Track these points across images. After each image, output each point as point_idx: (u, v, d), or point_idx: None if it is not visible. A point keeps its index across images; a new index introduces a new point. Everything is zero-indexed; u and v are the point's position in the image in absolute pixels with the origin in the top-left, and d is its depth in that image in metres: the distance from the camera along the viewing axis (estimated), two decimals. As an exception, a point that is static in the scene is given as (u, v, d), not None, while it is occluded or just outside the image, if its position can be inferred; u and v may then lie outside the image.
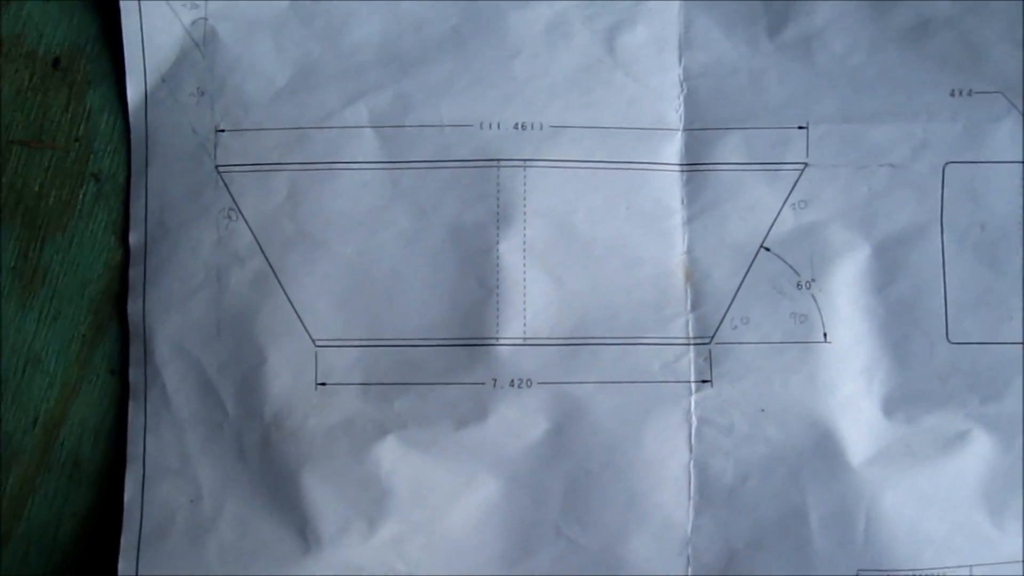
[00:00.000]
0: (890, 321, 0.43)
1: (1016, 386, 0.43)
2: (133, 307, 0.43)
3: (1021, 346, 0.43)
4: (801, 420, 0.42)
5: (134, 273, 0.43)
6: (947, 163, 0.43)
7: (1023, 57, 0.43)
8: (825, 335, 0.42)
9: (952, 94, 0.43)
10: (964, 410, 0.42)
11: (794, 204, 0.43)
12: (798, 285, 0.43)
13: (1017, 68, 0.43)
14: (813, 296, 0.43)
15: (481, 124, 0.43)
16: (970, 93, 0.43)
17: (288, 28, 0.44)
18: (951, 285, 0.43)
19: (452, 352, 0.42)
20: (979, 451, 0.42)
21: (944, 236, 0.43)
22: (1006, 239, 0.43)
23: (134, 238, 0.43)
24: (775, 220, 0.43)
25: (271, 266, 0.43)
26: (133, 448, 0.43)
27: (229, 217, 0.43)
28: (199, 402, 0.43)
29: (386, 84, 0.43)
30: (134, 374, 0.43)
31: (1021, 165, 0.43)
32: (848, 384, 0.42)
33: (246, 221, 0.43)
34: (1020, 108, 0.43)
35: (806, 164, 0.43)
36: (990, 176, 0.43)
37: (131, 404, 0.43)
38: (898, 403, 0.42)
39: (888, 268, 0.43)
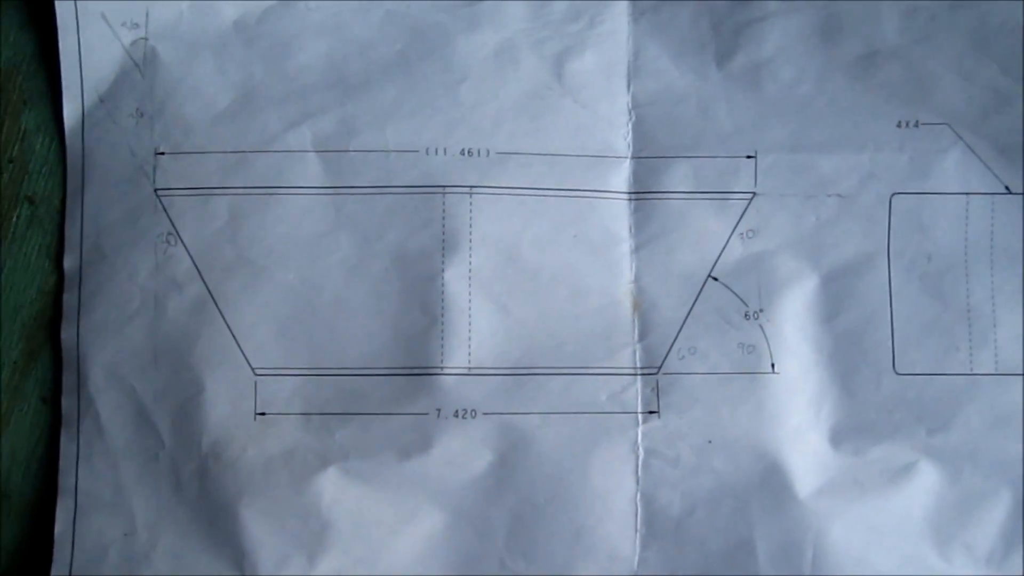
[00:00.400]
0: (837, 352, 0.42)
1: (962, 417, 0.42)
2: (67, 333, 0.42)
3: (967, 377, 0.43)
4: (748, 452, 0.42)
5: (68, 298, 0.42)
6: (894, 194, 0.43)
7: (969, 89, 0.43)
8: (773, 366, 0.42)
9: (899, 125, 0.43)
10: (911, 441, 0.42)
11: (742, 233, 0.43)
12: (746, 315, 0.42)
13: (963, 100, 0.43)
14: (761, 326, 0.42)
15: (427, 150, 0.42)
16: (917, 124, 0.43)
17: (231, 50, 0.43)
18: (898, 316, 0.43)
19: (395, 382, 0.41)
20: (926, 483, 0.42)
21: (891, 267, 0.43)
22: (952, 270, 0.43)
23: (69, 263, 0.42)
24: (723, 249, 0.43)
25: (210, 292, 0.42)
26: (65, 479, 0.41)
27: (168, 242, 0.42)
28: (134, 432, 0.41)
29: (330, 108, 0.42)
30: (67, 403, 0.42)
31: (967, 196, 0.43)
32: (796, 415, 0.42)
33: (185, 246, 0.42)
34: (966, 140, 0.43)
35: (754, 193, 0.43)
36: (936, 207, 0.43)
37: (63, 433, 0.42)
38: (845, 434, 0.42)
39: (835, 298, 0.42)
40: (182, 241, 0.42)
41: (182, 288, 0.42)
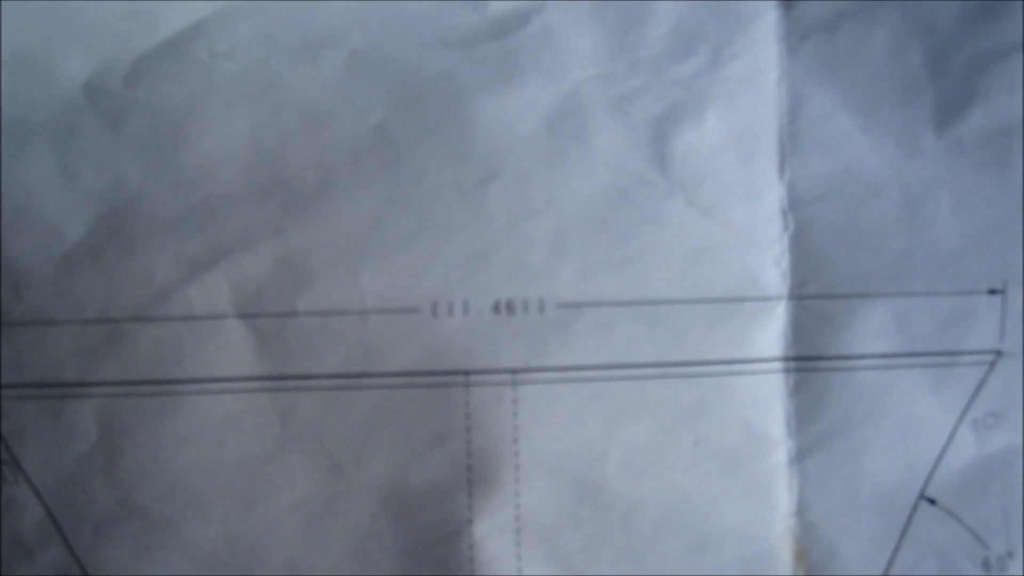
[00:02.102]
0: None
1: None
2: None
3: None
4: None
5: None
6: None
7: None
8: (1032, 650, 0.27)
9: None
10: None
11: (976, 421, 0.27)
12: (985, 564, 0.28)
13: None
14: (1011, 582, 0.27)
15: (434, 307, 0.26)
16: None
17: (84, 136, 0.26)
18: None
19: None
20: None
21: None
22: None
23: None
24: (944, 450, 0.27)
25: (79, 562, 0.27)
26: None
27: (2, 477, 0.27)
28: None
29: (260, 236, 0.26)
30: None
31: None
32: None
33: (31, 484, 0.27)
34: None
35: (998, 352, 0.27)
36: None
37: None
38: None
39: None
40: (25, 476, 0.27)
41: (32, 553, 0.27)
